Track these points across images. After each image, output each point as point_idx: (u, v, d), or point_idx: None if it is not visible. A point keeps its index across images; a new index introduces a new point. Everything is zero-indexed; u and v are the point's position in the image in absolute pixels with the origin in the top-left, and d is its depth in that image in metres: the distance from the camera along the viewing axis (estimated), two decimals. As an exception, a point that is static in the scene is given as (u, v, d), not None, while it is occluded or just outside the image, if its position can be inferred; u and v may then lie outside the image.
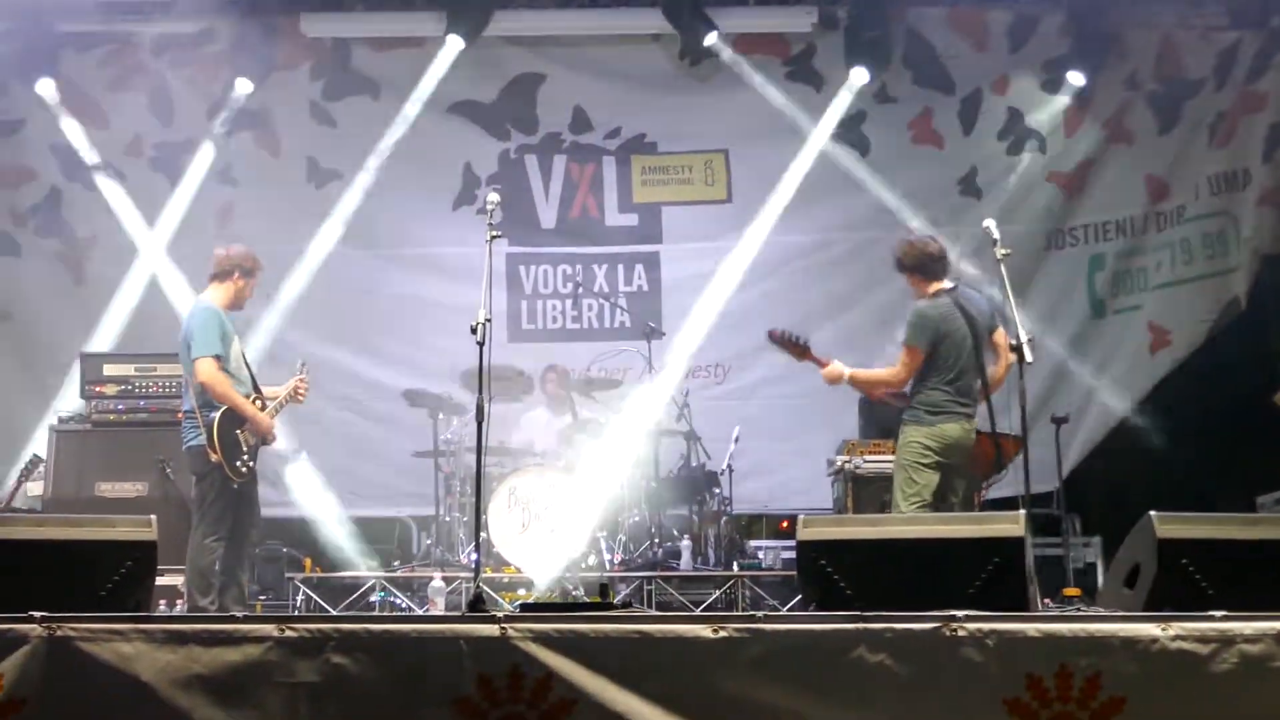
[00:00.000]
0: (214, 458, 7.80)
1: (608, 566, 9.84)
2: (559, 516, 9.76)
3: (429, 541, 10.54)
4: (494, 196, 7.42)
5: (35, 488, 9.96)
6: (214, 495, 7.87)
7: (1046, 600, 7.69)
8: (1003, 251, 7.38)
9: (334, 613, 9.18)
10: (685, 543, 10.10)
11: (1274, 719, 4.64)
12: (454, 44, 11.80)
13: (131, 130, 12.00)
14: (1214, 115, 11.47)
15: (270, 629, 4.69)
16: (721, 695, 4.63)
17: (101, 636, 4.64)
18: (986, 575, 5.27)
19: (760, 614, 4.81)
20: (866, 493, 9.66)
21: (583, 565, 9.65)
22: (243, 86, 11.71)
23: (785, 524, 11.36)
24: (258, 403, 8.13)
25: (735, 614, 8.16)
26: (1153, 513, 5.56)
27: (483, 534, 9.09)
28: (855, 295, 12.15)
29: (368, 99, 12.23)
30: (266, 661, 4.65)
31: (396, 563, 10.55)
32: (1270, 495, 9.84)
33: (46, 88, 11.59)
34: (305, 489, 11.22)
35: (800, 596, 7.52)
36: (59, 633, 4.62)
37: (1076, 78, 11.73)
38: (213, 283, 8.23)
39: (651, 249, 12.59)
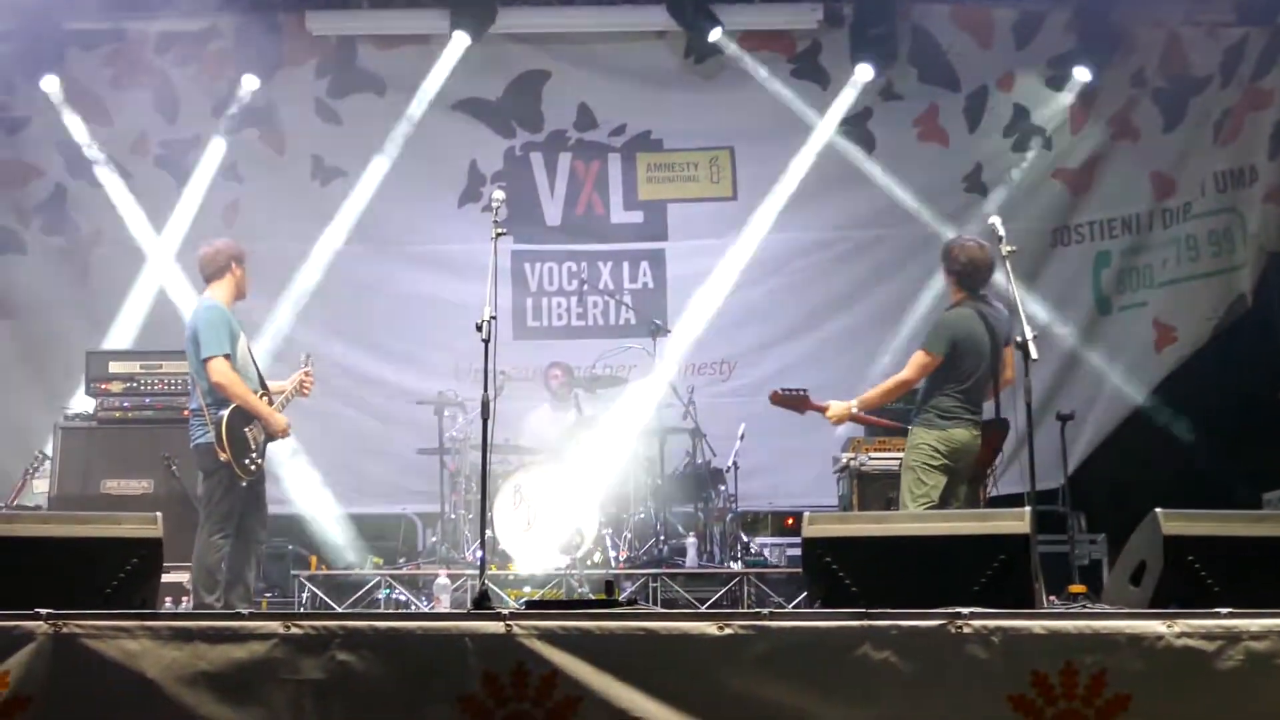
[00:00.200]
0: (223, 456, 7.79)
1: (613, 563, 9.83)
2: (564, 514, 9.76)
3: (434, 539, 10.55)
4: (499, 194, 7.42)
5: (41, 485, 9.98)
6: (221, 493, 7.87)
7: (1052, 597, 7.70)
8: (1008, 248, 7.39)
9: (339, 610, 9.18)
10: (690, 540, 10.11)
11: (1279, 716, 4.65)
12: (459, 41, 11.80)
13: (136, 128, 12.01)
14: (1220, 112, 11.45)
15: (275, 626, 4.69)
16: (727, 692, 4.63)
17: (107, 633, 4.64)
18: (992, 572, 5.27)
19: (765, 611, 4.81)
20: (871, 490, 9.66)
21: (588, 562, 9.65)
22: (249, 83, 11.71)
23: (790, 521, 11.36)
24: (265, 399, 8.14)
25: (740, 611, 8.12)
26: (1158, 510, 5.55)
27: (488, 531, 9.15)
28: (860, 292, 12.17)
29: (373, 96, 12.23)
30: (272, 659, 4.66)
31: (402, 560, 10.56)
32: (1276, 492, 9.82)
33: (51, 85, 11.58)
34: (301, 486, 11.23)
35: (805, 594, 7.53)
36: (64, 630, 4.63)
37: (1082, 74, 11.72)
38: (211, 283, 8.20)
39: (657, 246, 12.58)
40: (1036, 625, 4.69)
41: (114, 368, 9.97)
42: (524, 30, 12.20)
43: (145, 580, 5.35)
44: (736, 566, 9.99)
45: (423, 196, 12.38)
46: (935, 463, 7.46)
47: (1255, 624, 4.67)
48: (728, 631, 4.67)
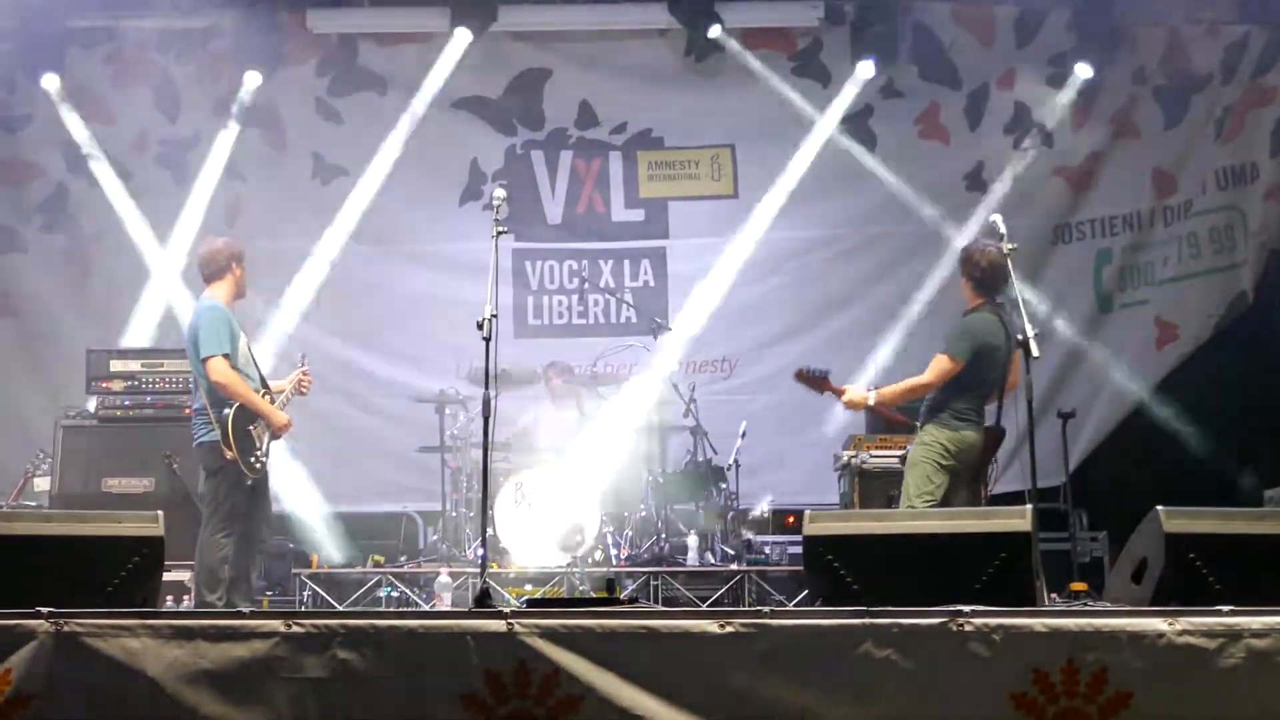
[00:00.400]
0: (229, 454, 7.79)
1: (614, 562, 9.83)
2: (565, 512, 9.75)
3: (435, 537, 10.54)
4: (500, 192, 7.41)
5: (42, 483, 9.99)
6: (225, 491, 7.87)
7: (1053, 595, 7.70)
8: (1009, 246, 7.39)
9: (340, 608, 9.18)
10: (692, 538, 10.10)
11: (1281, 714, 4.65)
12: (461, 39, 11.81)
13: (138, 126, 12.01)
14: (1221, 109, 11.44)
15: (277, 624, 4.70)
16: (728, 690, 4.64)
17: (108, 632, 4.65)
18: (993, 570, 5.28)
19: (766, 609, 4.81)
20: (873, 488, 9.67)
21: (589, 560, 9.65)
22: (250, 81, 11.72)
23: (792, 519, 11.35)
24: (267, 397, 8.15)
25: (741, 609, 8.13)
26: (1160, 507, 5.57)
27: (489, 529, 9.14)
28: (862, 290, 12.16)
29: (374, 95, 12.24)
30: (273, 657, 4.66)
31: (403, 558, 10.56)
32: (1278, 490, 9.82)
33: (52, 83, 11.59)
34: (286, 484, 11.21)
35: (806, 591, 7.53)
36: (66, 628, 4.63)
37: (1083, 71, 11.70)
38: (211, 282, 8.20)
39: (658, 244, 12.58)
40: (1038, 623, 4.69)
41: (115, 366, 9.98)
42: (525, 28, 12.20)
43: (147, 579, 5.36)
44: (738, 565, 9.98)
45: (424, 195, 12.37)
46: (945, 463, 7.47)
47: (1257, 621, 4.67)
48: (729, 629, 4.68)
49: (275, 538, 10.00)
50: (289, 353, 10.38)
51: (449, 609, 8.15)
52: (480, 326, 6.75)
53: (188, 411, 8.38)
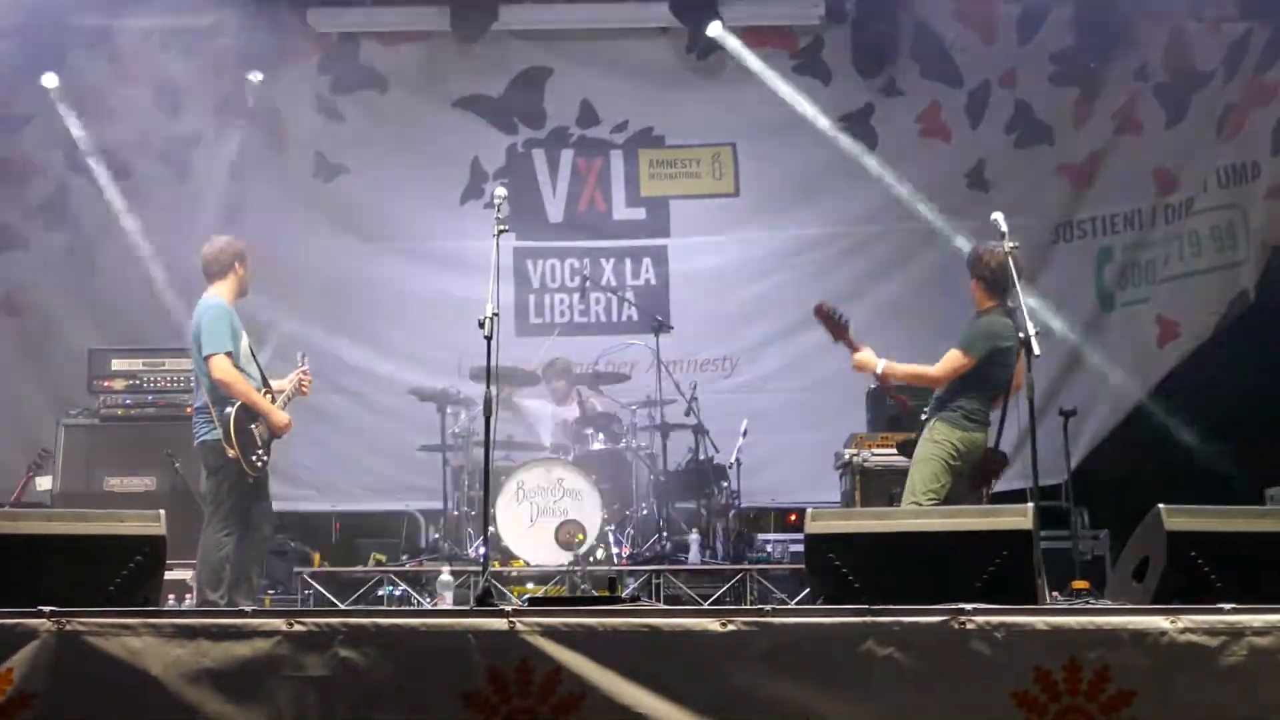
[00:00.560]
0: (231, 453, 7.80)
1: (616, 560, 9.83)
2: (567, 510, 9.75)
3: (437, 535, 10.55)
4: (501, 191, 7.42)
5: (44, 482, 10.00)
6: (227, 490, 7.88)
7: (1055, 593, 7.69)
8: (1011, 244, 7.39)
9: (342, 607, 9.18)
10: (693, 536, 10.10)
11: (1283, 712, 4.65)
12: (462, 37, 11.82)
13: (139, 124, 12.00)
14: (1223, 107, 11.42)
15: (279, 623, 4.70)
16: (730, 689, 4.64)
17: (110, 631, 4.65)
18: (995, 568, 5.27)
19: (768, 607, 4.81)
20: (874, 486, 9.66)
21: (591, 559, 9.65)
22: (252, 79, 11.73)
23: (793, 517, 11.35)
24: (268, 396, 8.15)
25: (743, 607, 8.13)
26: (1161, 505, 5.56)
27: (491, 528, 9.14)
28: (863, 288, 12.13)
29: (375, 93, 12.26)
30: (275, 656, 4.66)
31: (405, 556, 10.56)
32: (1279, 488, 9.81)
33: (53, 82, 11.59)
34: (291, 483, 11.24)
35: (808, 590, 7.52)
36: (68, 627, 4.63)
37: (1085, 69, 11.70)
38: (214, 281, 8.21)
39: (659, 243, 12.58)
40: (1039, 621, 4.69)
41: (117, 365, 10.00)
42: (526, 27, 12.21)
43: (148, 577, 5.36)
44: (740, 563, 9.98)
45: (425, 193, 12.38)
46: (954, 463, 7.51)
47: (1258, 619, 4.67)
48: (731, 628, 4.67)
49: (278, 535, 10.03)
50: (289, 351, 10.36)
51: (451, 607, 8.15)
52: (482, 325, 6.75)
53: (189, 410, 8.38)
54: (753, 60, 11.96)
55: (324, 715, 4.64)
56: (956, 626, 4.66)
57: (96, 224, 12.00)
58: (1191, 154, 11.64)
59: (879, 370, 7.78)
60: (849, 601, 5.02)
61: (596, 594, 8.48)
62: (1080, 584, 8.36)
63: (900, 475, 8.86)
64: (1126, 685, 4.60)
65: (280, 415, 8.15)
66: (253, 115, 11.96)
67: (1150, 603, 5.35)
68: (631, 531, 10.30)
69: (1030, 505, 5.67)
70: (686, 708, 4.59)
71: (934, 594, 4.88)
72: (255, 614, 4.80)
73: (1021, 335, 7.11)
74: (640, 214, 12.60)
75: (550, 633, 4.65)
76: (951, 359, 7.61)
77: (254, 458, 7.90)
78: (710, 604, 9.15)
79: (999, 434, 7.65)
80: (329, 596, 9.57)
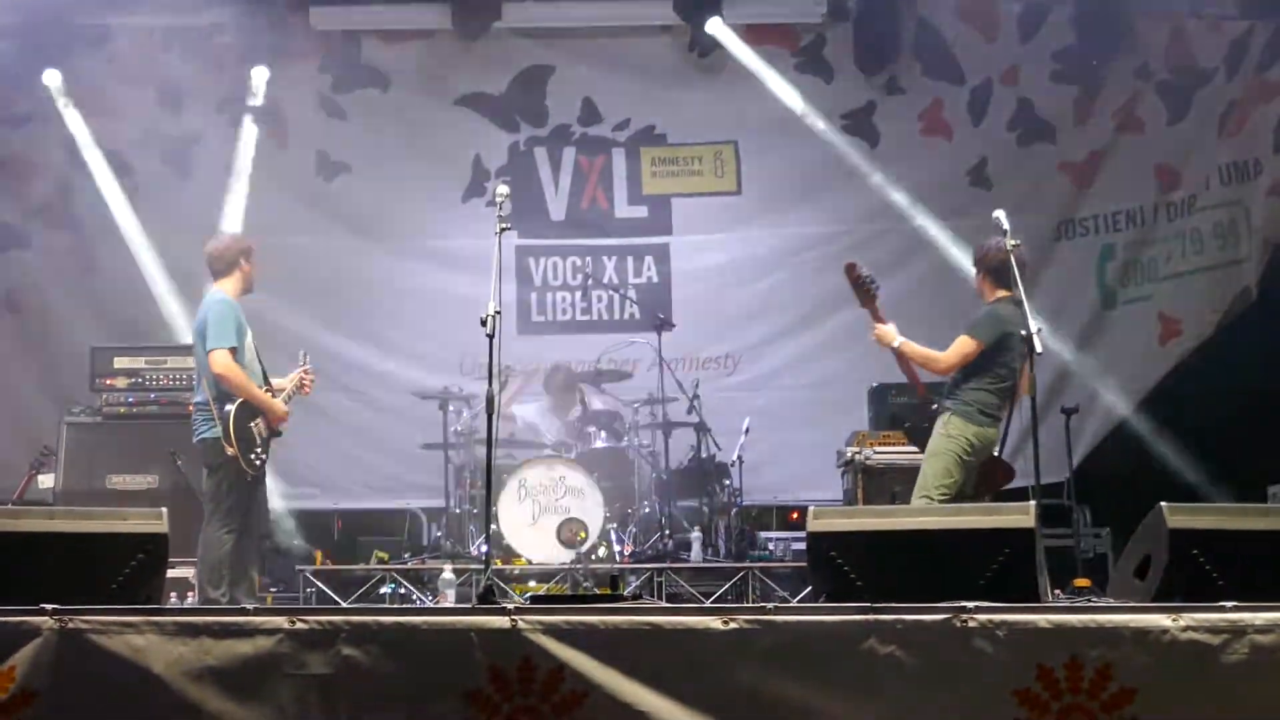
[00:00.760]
0: (230, 451, 7.81)
1: (618, 558, 9.84)
2: (569, 508, 9.76)
3: (439, 533, 10.56)
4: (503, 189, 7.41)
5: (47, 480, 10.01)
6: (227, 488, 7.89)
7: (1057, 591, 7.69)
8: (1012, 242, 7.40)
9: (344, 605, 9.18)
10: (695, 534, 10.11)
11: (1286, 710, 4.65)
12: (464, 35, 11.83)
13: (141, 123, 11.98)
14: (1225, 105, 11.43)
15: (281, 621, 4.70)
16: (732, 687, 4.64)
17: (113, 629, 4.65)
18: (997, 566, 5.28)
19: (770, 606, 4.82)
20: (876, 484, 9.66)
21: (593, 557, 9.66)
22: (253, 78, 11.73)
23: (795, 515, 11.35)
24: (269, 395, 8.15)
25: (745, 606, 8.16)
26: (1163, 503, 5.57)
27: (493, 526, 9.15)
28: (864, 286, 12.15)
29: (377, 91, 12.24)
30: (278, 653, 4.67)
31: (406, 555, 10.57)
32: (1281, 485, 9.83)
33: (55, 80, 11.59)
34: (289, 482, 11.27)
35: (810, 588, 7.52)
36: (70, 625, 4.64)
37: (1086, 68, 11.70)
38: (220, 278, 8.22)
39: (661, 241, 12.58)
40: (1041, 619, 4.69)
41: (119, 363, 10.00)
42: (528, 25, 12.19)
43: (151, 575, 5.36)
44: (742, 561, 9.98)
45: (427, 192, 12.38)
46: (967, 458, 7.51)
47: (1260, 617, 4.67)
48: (733, 626, 4.68)
49: (285, 535, 10.05)
50: (290, 349, 10.37)
51: (453, 606, 8.17)
52: (483, 323, 6.75)
53: (190, 407, 8.38)
54: (750, 57, 11.93)
55: (326, 713, 4.64)
56: (958, 625, 4.66)
57: (98, 223, 11.98)
58: (1193, 152, 11.64)
59: (895, 345, 7.77)
60: (851, 600, 5.03)
61: (598, 592, 8.49)
62: (1082, 582, 8.37)
63: (902, 473, 8.90)
64: (1128, 683, 4.60)
65: (279, 406, 8.16)
66: (254, 114, 11.94)
67: (1152, 601, 5.36)
68: (633, 529, 10.31)
69: (1032, 503, 5.68)
70: (688, 706, 4.60)
71: (936, 592, 4.88)
72: (258, 612, 4.80)
73: (1023, 333, 7.11)
74: (642, 212, 12.60)
75: (552, 631, 4.65)
76: (960, 345, 7.61)
77: (253, 456, 7.91)
78: (712, 602, 9.16)
79: (1003, 441, 7.64)
80: (331, 594, 9.58)
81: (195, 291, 10.16)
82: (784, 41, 12.22)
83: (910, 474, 8.36)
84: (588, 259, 12.45)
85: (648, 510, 10.46)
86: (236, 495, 7.89)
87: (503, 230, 7.16)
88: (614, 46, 12.42)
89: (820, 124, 11.94)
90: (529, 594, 8.81)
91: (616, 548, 9.96)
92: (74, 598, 4.77)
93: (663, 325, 10.84)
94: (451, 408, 10.56)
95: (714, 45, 12.03)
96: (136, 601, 5.08)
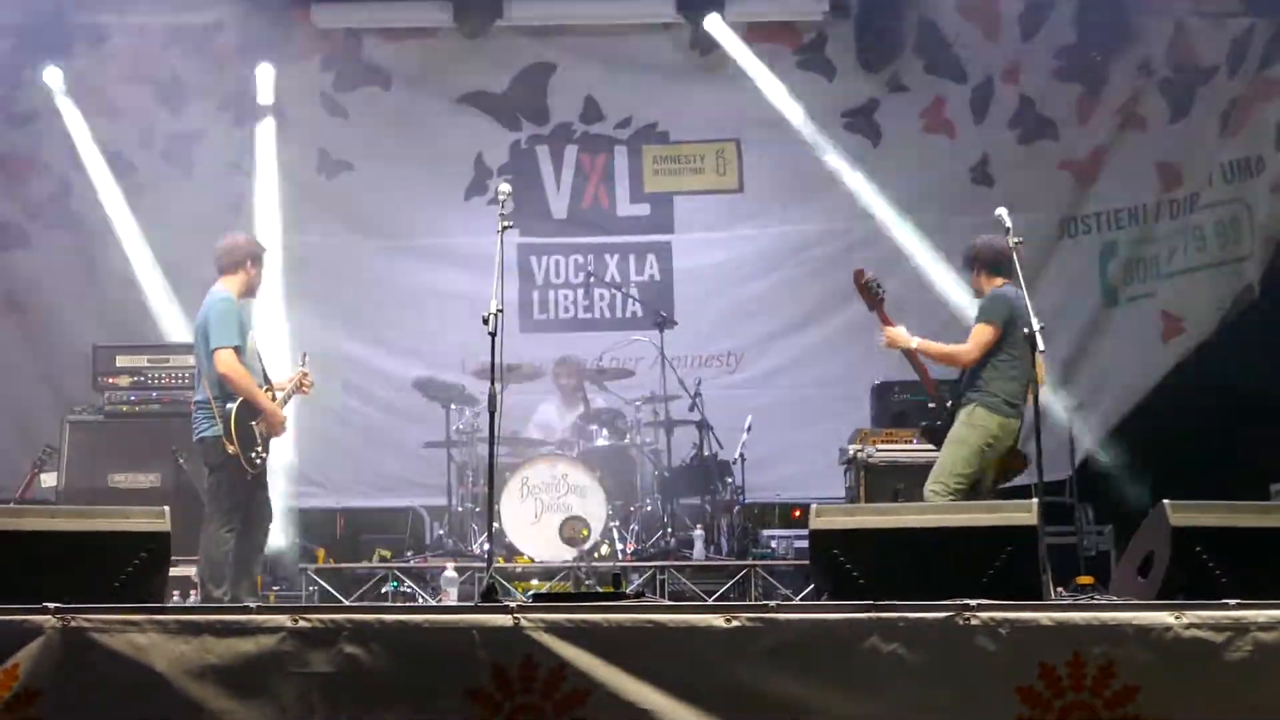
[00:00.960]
0: (231, 449, 7.81)
1: (620, 556, 9.84)
2: (571, 506, 9.76)
3: (441, 532, 10.56)
4: (505, 187, 7.42)
5: (49, 479, 10.00)
6: (228, 486, 7.89)
7: (1059, 589, 7.70)
8: (1015, 240, 7.40)
9: (346, 603, 9.19)
10: (698, 532, 10.11)
11: (1288, 707, 4.65)
12: (466, 33, 11.82)
13: (142, 122, 11.99)
14: (1227, 102, 11.41)
15: (284, 619, 4.71)
16: (734, 685, 4.64)
17: (116, 628, 4.66)
18: (1000, 564, 5.28)
19: (773, 603, 4.83)
20: (879, 482, 9.64)
21: (595, 555, 9.66)
22: (264, 73, 11.73)
23: (798, 513, 11.35)
24: (269, 394, 8.15)
25: (748, 604, 8.17)
26: (1166, 501, 5.56)
27: (495, 524, 9.15)
28: (866, 284, 12.14)
29: (379, 90, 12.23)
30: (280, 652, 4.67)
31: (409, 553, 10.57)
32: (1284, 483, 9.82)
33: (56, 79, 11.58)
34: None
35: (813, 586, 7.52)
36: (73, 624, 4.64)
37: (1088, 65, 11.69)
38: (224, 275, 8.22)
39: (663, 239, 12.56)
40: (1044, 617, 4.70)
41: (121, 361, 9.99)
42: (530, 23, 12.16)
43: (153, 574, 5.36)
44: (744, 559, 9.99)
45: (429, 190, 12.36)
46: (989, 450, 7.54)
47: (1263, 615, 4.68)
48: (735, 624, 4.68)
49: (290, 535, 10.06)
50: (291, 348, 10.39)
51: (455, 604, 8.17)
52: (486, 321, 6.75)
53: (190, 406, 8.38)
54: (748, 55, 11.90)
55: (328, 711, 4.64)
56: (961, 622, 4.66)
57: (99, 221, 11.97)
58: (1195, 149, 11.63)
59: (913, 346, 7.76)
60: (853, 597, 5.03)
61: (601, 590, 8.48)
62: (1085, 579, 8.37)
63: (905, 471, 8.89)
64: (1131, 680, 4.60)
65: (279, 413, 8.15)
66: (256, 112, 11.94)
67: (1155, 598, 5.36)
68: (636, 527, 10.31)
69: (1035, 501, 5.68)
70: (691, 703, 4.60)
71: (938, 590, 4.88)
72: (260, 610, 4.81)
73: (1026, 331, 7.11)
74: (644, 210, 12.59)
75: (555, 629, 4.65)
76: (978, 333, 7.61)
77: (253, 454, 7.90)
78: (715, 600, 9.17)
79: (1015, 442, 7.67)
80: (333, 593, 9.59)
81: (197, 290, 10.15)
82: (786, 39, 12.20)
83: (913, 471, 8.37)
84: (590, 257, 12.44)
85: (650, 508, 10.46)
86: (238, 494, 7.89)
87: (505, 228, 7.17)
88: (616, 44, 12.40)
89: (822, 122, 11.92)
90: (531, 592, 8.81)
91: (619, 546, 9.96)
92: (76, 596, 4.78)
93: (665, 323, 10.84)
94: (454, 406, 10.57)
95: (716, 43, 12.02)
96: (139, 600, 5.08)
